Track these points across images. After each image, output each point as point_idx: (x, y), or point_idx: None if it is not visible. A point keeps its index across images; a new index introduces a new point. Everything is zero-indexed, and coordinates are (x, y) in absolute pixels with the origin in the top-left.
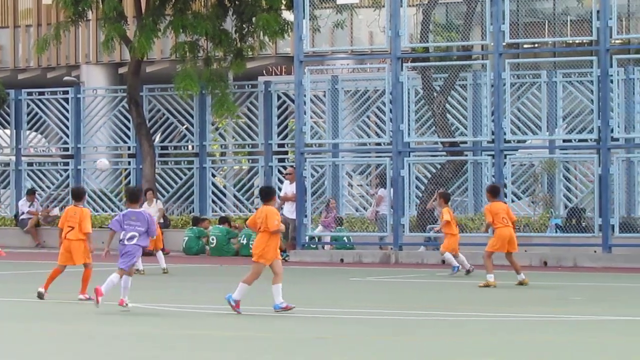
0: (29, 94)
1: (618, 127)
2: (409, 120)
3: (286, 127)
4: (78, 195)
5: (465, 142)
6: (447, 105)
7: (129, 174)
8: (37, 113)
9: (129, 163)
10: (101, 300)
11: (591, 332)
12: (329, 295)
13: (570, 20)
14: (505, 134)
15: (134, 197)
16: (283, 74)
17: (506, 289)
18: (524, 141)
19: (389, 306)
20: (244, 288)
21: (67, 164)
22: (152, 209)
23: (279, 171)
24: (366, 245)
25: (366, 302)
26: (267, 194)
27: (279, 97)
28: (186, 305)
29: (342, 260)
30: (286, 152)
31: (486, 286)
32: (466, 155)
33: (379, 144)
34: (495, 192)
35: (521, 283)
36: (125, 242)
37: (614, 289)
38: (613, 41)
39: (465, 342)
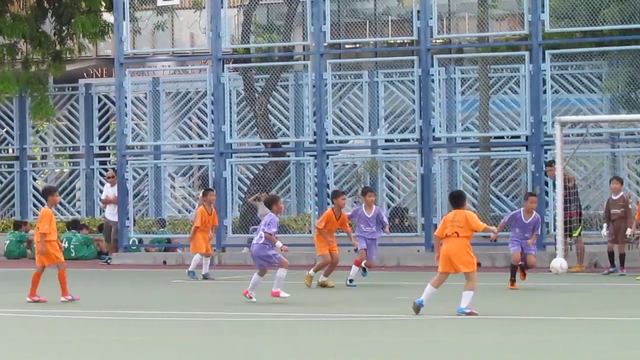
0: None
1: (440, 126)
2: (230, 122)
3: (107, 129)
4: (43, 194)
5: (288, 143)
6: (269, 106)
7: None
8: None
9: None
10: (286, 295)
11: (420, 331)
12: (150, 297)
13: (392, 20)
14: (327, 134)
15: (268, 204)
16: (104, 76)
17: (334, 290)
18: (346, 141)
19: (210, 307)
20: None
21: None
22: None
23: (101, 174)
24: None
25: (187, 304)
26: (460, 198)
27: (99, 100)
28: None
29: (165, 262)
30: (108, 155)
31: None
32: (288, 156)
33: (201, 146)
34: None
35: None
36: (254, 241)
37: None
38: (434, 41)
39: (287, 343)
